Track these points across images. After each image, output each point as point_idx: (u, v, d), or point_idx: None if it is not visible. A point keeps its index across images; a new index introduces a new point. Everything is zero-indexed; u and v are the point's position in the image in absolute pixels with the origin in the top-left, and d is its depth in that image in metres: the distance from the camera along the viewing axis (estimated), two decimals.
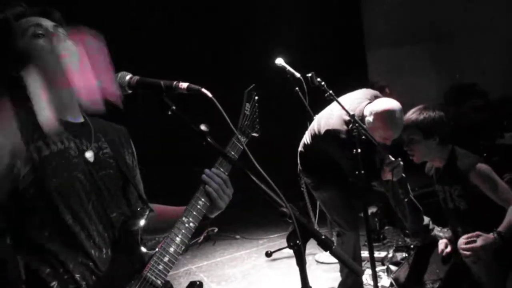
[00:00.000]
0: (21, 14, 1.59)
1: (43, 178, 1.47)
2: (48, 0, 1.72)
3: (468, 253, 2.77)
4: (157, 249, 1.60)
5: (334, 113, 3.44)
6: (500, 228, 2.73)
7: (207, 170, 1.69)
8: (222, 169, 1.70)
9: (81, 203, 1.54)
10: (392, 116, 3.20)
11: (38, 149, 1.48)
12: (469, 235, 2.83)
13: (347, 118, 3.27)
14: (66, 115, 1.61)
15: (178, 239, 1.60)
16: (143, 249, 1.62)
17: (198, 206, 1.65)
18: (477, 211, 2.91)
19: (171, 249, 1.59)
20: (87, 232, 1.54)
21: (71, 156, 1.56)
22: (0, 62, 1.53)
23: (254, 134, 1.92)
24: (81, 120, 1.67)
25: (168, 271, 1.58)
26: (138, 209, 1.69)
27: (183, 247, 1.62)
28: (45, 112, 1.42)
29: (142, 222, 1.64)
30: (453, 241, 3.11)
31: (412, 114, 3.04)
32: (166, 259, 1.58)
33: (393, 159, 3.18)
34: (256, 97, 1.94)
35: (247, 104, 1.90)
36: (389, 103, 3.26)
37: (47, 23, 1.59)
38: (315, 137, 3.59)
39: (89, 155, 1.61)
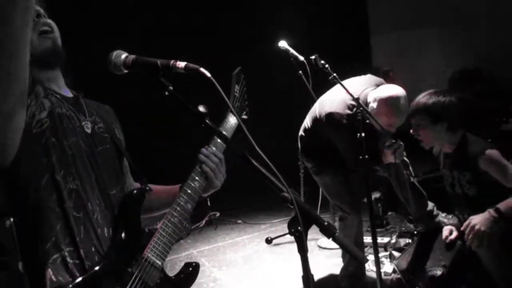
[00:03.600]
0: None
1: (57, 131, 1.44)
2: None
3: (470, 236, 2.75)
4: (156, 230, 1.58)
5: (337, 97, 3.38)
6: (499, 205, 2.70)
7: (204, 150, 1.66)
8: (216, 148, 1.68)
9: (88, 175, 1.52)
10: (397, 103, 3.16)
11: (51, 102, 1.46)
12: (465, 223, 2.81)
13: (350, 102, 3.22)
14: (58, 89, 1.57)
15: (176, 220, 1.59)
16: (144, 229, 1.61)
17: (195, 186, 1.63)
18: (486, 197, 2.86)
19: (170, 230, 1.58)
20: (92, 206, 1.51)
21: (76, 124, 1.53)
22: None
23: (244, 117, 1.91)
24: (71, 94, 1.63)
25: (168, 252, 1.58)
26: (137, 187, 1.67)
27: (182, 228, 1.61)
28: None
29: (141, 201, 1.63)
30: (458, 227, 3.07)
31: (421, 98, 2.97)
32: (165, 239, 1.57)
33: (393, 141, 3.15)
34: (244, 79, 1.91)
35: (236, 86, 1.88)
36: (394, 90, 3.22)
37: (46, 18, 1.53)
38: (316, 121, 3.53)
39: (87, 127, 1.58)
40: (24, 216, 1.44)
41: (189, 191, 1.62)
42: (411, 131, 3.06)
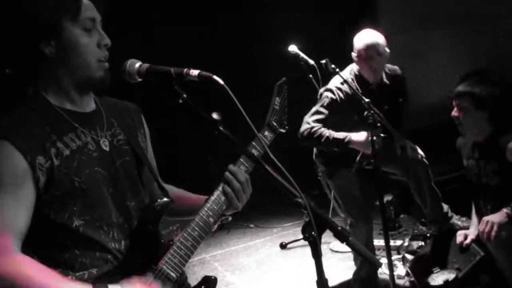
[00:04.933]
0: None
1: (67, 180, 1.46)
2: None
3: (485, 236, 2.76)
4: (174, 241, 1.57)
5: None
6: None
7: (231, 167, 1.64)
8: (244, 166, 1.66)
9: (101, 198, 1.53)
10: (367, 36, 3.38)
11: (57, 152, 1.46)
12: (481, 223, 2.80)
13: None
14: (79, 105, 1.58)
15: (196, 233, 1.58)
16: (161, 240, 1.61)
17: (220, 201, 1.62)
18: (509, 188, 2.84)
19: (188, 243, 1.56)
20: (106, 227, 1.53)
21: (90, 150, 1.54)
22: (42, 29, 1.46)
23: (282, 130, 1.86)
24: (93, 107, 1.63)
25: (184, 265, 1.56)
26: (159, 200, 1.66)
27: (201, 242, 1.59)
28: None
29: (161, 215, 1.64)
30: (476, 224, 3.04)
31: (468, 83, 2.92)
32: (182, 252, 1.55)
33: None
34: (287, 91, 1.86)
35: (277, 98, 1.82)
36: (368, 32, 3.45)
37: (98, 17, 1.55)
38: None
39: (105, 145, 1.59)
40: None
41: (213, 205, 1.61)
42: (453, 112, 3.00)
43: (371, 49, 3.34)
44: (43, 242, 1.49)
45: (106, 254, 1.53)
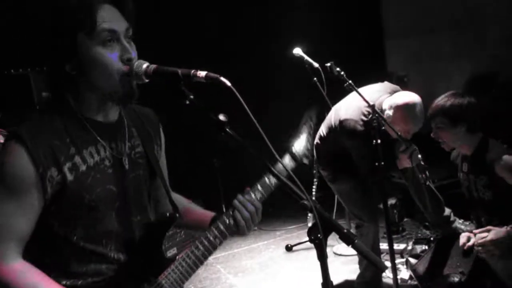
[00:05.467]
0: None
1: (78, 196, 1.46)
2: None
3: (480, 248, 2.77)
4: (177, 258, 1.58)
5: (353, 104, 3.39)
6: None
7: (240, 197, 1.64)
8: (260, 193, 1.67)
9: (106, 214, 1.53)
10: (413, 109, 3.17)
11: (73, 167, 1.46)
12: (481, 229, 2.80)
13: (366, 109, 3.22)
14: (103, 115, 1.57)
15: (199, 253, 1.58)
16: (164, 255, 1.61)
17: (228, 224, 1.62)
18: (502, 202, 2.85)
19: (190, 261, 1.57)
20: (106, 240, 1.54)
21: (106, 167, 1.54)
22: (61, 49, 1.44)
23: (305, 161, 1.84)
24: (117, 116, 1.62)
25: (183, 282, 1.57)
26: (167, 213, 1.66)
27: (204, 261, 1.60)
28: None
29: (166, 229, 1.64)
30: (475, 233, 3.05)
31: (440, 101, 2.97)
32: (183, 269, 1.56)
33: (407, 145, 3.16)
34: (316, 121, 1.86)
35: (304, 127, 1.83)
36: (410, 97, 3.23)
37: (121, 29, 1.47)
38: (331, 128, 3.54)
39: (125, 163, 1.59)
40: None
41: (221, 227, 1.61)
42: (431, 134, 3.06)
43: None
44: (40, 247, 1.50)
45: (103, 264, 1.54)
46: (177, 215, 1.64)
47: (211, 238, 1.59)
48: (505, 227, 2.70)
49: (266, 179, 1.68)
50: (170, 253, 3.84)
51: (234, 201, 1.63)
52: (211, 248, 1.60)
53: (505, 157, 2.80)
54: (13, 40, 4.36)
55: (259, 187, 1.67)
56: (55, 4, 1.46)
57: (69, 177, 1.44)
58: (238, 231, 1.64)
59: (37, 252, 1.49)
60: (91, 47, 1.43)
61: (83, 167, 1.47)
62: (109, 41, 1.45)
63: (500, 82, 6.16)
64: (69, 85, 1.50)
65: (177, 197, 1.82)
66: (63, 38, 1.42)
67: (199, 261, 1.58)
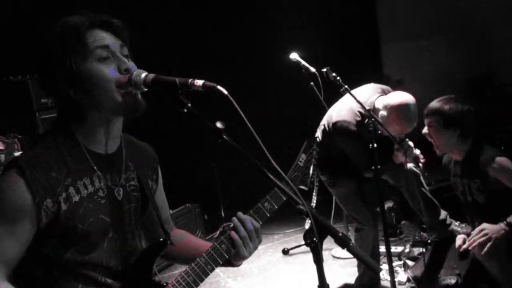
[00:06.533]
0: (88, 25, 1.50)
1: (70, 225, 1.48)
2: None
3: (475, 245, 2.80)
4: (168, 284, 1.59)
5: (344, 106, 3.43)
6: (510, 218, 2.72)
7: (239, 214, 1.67)
8: (258, 216, 1.69)
9: (98, 243, 1.55)
10: (407, 110, 3.20)
11: (67, 197, 1.48)
12: (476, 229, 2.82)
13: (358, 109, 3.26)
14: (103, 146, 1.60)
15: (190, 279, 1.59)
16: (154, 280, 1.63)
17: (220, 249, 1.63)
18: (496, 205, 2.88)
19: (181, 287, 1.58)
20: (94, 267, 1.55)
21: (99, 197, 1.56)
22: (61, 80, 1.48)
23: (302, 187, 1.86)
24: (116, 147, 1.64)
25: None
26: (160, 240, 1.67)
27: (194, 287, 1.60)
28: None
29: (155, 256, 1.65)
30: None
31: (439, 101, 2.98)
32: None
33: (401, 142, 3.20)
34: (315, 151, 1.88)
35: (303, 155, 1.84)
36: (404, 97, 3.25)
37: (115, 45, 1.51)
38: (326, 132, 3.57)
39: (118, 194, 1.61)
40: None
41: (213, 253, 1.62)
42: (423, 130, 3.07)
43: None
44: (28, 265, 1.51)
45: (91, 287, 1.55)
46: (169, 242, 1.66)
47: (203, 265, 1.60)
48: (499, 223, 2.74)
49: (260, 206, 1.72)
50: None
51: (232, 218, 1.66)
52: (203, 275, 1.60)
53: (498, 159, 2.83)
54: (12, 47, 4.39)
55: (259, 209, 1.70)
56: (43, 38, 1.50)
57: (63, 207, 1.47)
58: (237, 252, 1.64)
59: (26, 269, 1.51)
60: (88, 66, 1.47)
61: (76, 198, 1.50)
62: (105, 58, 1.49)
63: (495, 84, 6.20)
64: (74, 111, 1.53)
65: (179, 234, 1.88)
66: (60, 68, 1.47)
67: (190, 287, 1.59)
